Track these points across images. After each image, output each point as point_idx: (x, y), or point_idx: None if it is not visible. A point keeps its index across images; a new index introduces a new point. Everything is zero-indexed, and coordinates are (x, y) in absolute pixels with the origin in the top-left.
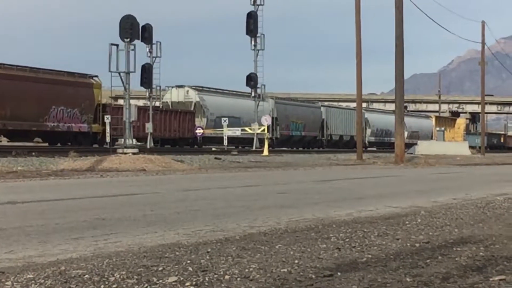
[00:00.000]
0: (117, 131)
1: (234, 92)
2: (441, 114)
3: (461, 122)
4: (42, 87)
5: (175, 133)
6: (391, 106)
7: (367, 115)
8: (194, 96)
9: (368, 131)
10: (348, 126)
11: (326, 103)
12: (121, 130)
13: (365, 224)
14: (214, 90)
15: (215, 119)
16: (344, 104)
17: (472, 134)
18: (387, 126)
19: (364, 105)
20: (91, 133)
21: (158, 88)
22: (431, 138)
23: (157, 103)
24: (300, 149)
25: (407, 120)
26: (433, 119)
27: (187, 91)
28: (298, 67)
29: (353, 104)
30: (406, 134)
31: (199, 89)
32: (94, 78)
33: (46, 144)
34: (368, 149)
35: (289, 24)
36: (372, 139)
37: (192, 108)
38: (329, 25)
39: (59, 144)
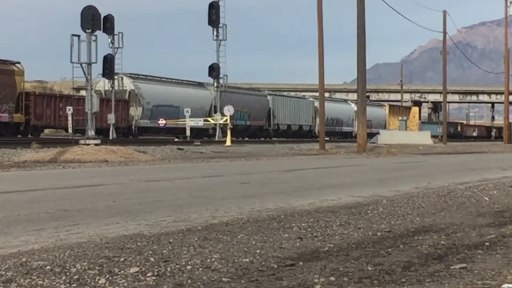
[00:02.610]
0: (42, 121)
1: (174, 80)
2: (403, 104)
3: (416, 111)
4: None
5: (108, 123)
6: (354, 96)
7: (316, 103)
8: (128, 84)
9: (318, 120)
10: (297, 115)
11: (272, 92)
12: (48, 120)
13: (327, 213)
14: (151, 77)
15: (151, 108)
16: (309, 95)
17: (429, 123)
18: (338, 115)
19: (326, 95)
20: (13, 124)
21: (120, 78)
22: (385, 127)
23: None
24: (262, 139)
25: None
26: (387, 108)
27: (121, 78)
28: (259, 58)
29: (316, 94)
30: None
31: (134, 77)
32: (16, 64)
33: None
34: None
35: (251, 14)
36: None
37: (126, 97)
38: (292, 15)
39: None
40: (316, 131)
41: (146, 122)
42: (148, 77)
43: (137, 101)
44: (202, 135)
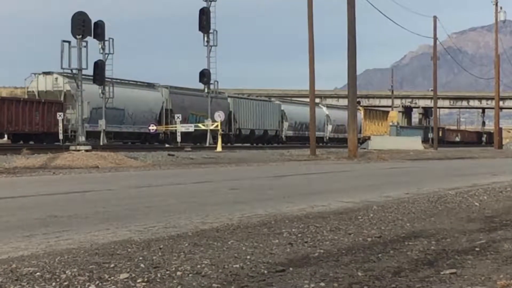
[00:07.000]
0: None
1: (118, 80)
2: (394, 109)
3: (394, 115)
4: None
5: (38, 127)
6: (344, 101)
7: (283, 107)
8: (64, 85)
9: (286, 124)
10: (261, 119)
11: (233, 94)
12: None
13: (317, 219)
14: (91, 77)
15: (91, 111)
16: (299, 100)
17: (408, 127)
18: (307, 119)
19: (317, 100)
20: None
21: (54, 78)
22: (360, 132)
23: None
24: (255, 144)
25: (331, 112)
26: (362, 112)
27: (56, 78)
28: (251, 63)
29: (306, 100)
30: (330, 128)
31: (71, 76)
32: None
33: None
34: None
35: (242, 20)
36: (290, 133)
37: (61, 98)
38: (284, 21)
39: None
40: (283, 136)
41: (85, 126)
42: (88, 77)
43: (73, 103)
44: (153, 140)
